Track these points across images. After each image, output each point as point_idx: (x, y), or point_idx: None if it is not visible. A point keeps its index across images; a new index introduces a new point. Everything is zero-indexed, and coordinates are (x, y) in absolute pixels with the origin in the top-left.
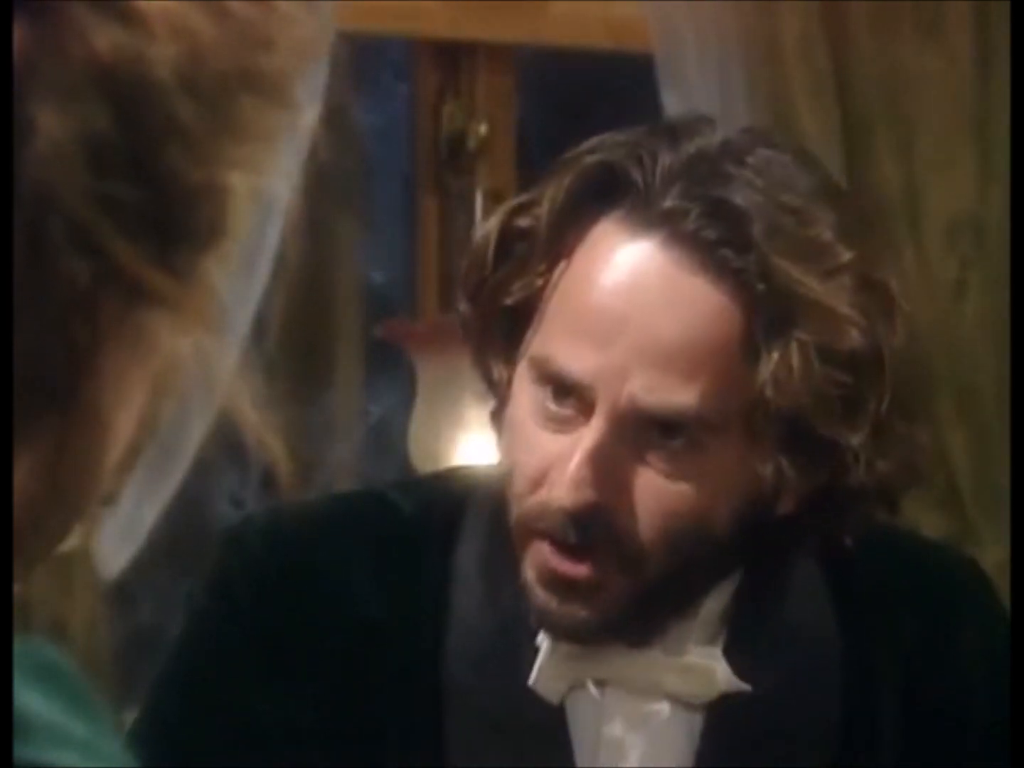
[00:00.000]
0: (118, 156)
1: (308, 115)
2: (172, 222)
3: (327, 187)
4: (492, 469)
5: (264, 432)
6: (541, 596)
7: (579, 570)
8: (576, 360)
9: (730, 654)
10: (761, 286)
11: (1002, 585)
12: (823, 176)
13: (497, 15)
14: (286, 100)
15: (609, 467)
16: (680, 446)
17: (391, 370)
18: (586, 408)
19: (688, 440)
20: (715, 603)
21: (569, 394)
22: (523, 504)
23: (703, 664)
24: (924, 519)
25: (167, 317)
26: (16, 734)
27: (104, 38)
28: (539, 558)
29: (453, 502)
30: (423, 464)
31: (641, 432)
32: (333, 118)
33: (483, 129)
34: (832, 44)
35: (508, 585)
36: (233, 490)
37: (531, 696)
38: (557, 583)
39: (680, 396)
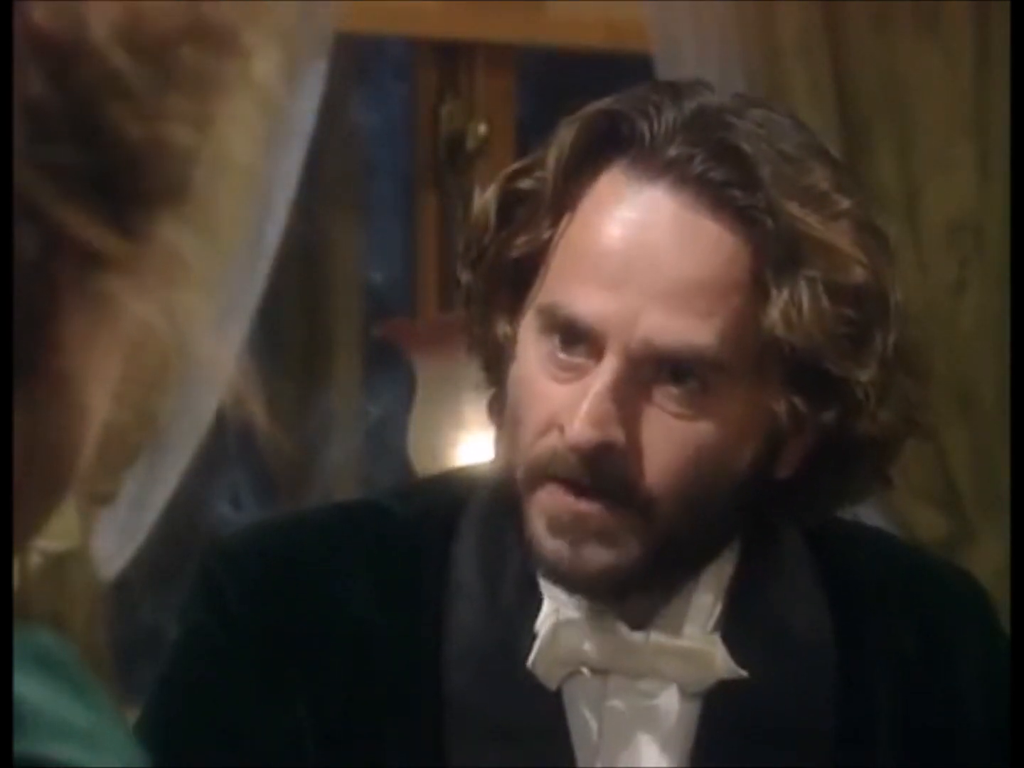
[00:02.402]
0: (57, 120)
1: (263, 64)
2: (120, 182)
3: (327, 187)
4: (488, 468)
5: (264, 421)
6: (551, 544)
7: (592, 507)
8: (586, 304)
9: (727, 643)
10: (770, 223)
11: (1002, 585)
12: (815, 139)
13: (497, 15)
14: (236, 49)
15: (624, 406)
16: (692, 388)
17: (390, 370)
18: (596, 353)
19: (700, 381)
20: (712, 588)
21: (579, 340)
22: (532, 452)
23: (702, 649)
24: (924, 519)
25: (125, 280)
26: (15, 725)
27: (41, 7)
28: (549, 502)
29: (449, 505)
30: (422, 463)
31: (653, 374)
32: (333, 118)
33: (482, 129)
34: (832, 44)
35: (506, 577)
36: (232, 490)
37: (528, 685)
38: (569, 526)
39: (694, 335)
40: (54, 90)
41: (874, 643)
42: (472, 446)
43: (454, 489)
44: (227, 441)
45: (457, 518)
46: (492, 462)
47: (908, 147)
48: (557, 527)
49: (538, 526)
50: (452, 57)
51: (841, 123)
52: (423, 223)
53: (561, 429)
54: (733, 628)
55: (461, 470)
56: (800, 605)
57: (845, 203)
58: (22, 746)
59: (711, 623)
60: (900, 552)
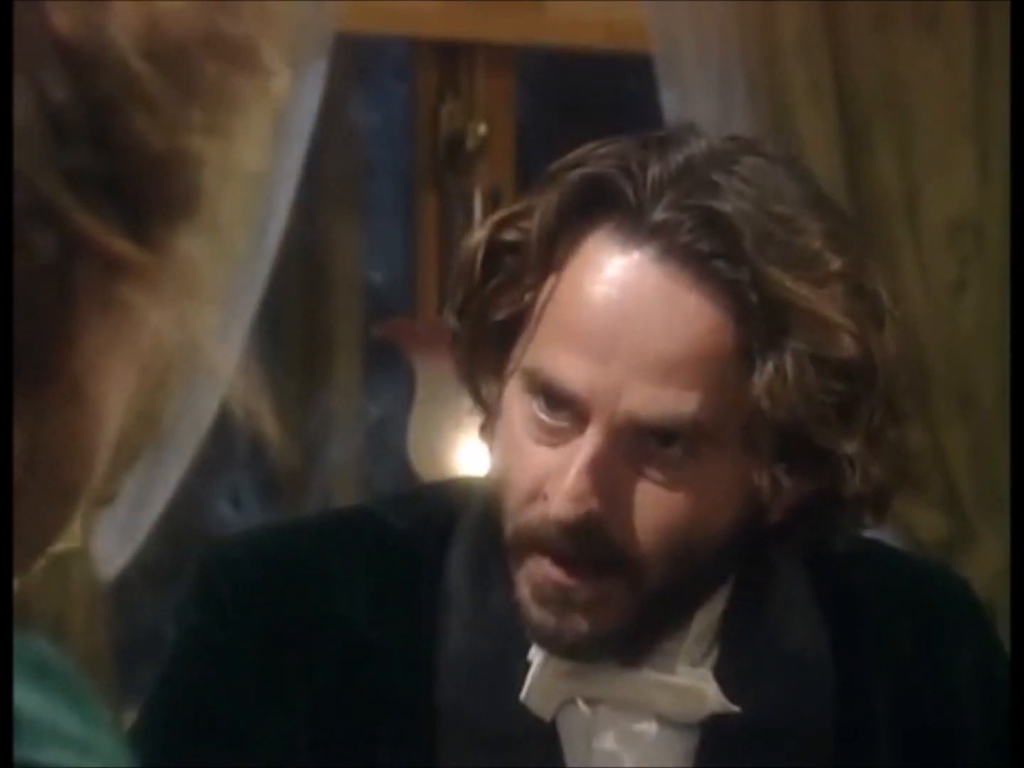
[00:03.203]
0: (79, 126)
1: (280, 81)
2: (140, 191)
3: (327, 187)
4: (484, 481)
5: (265, 420)
6: (537, 614)
7: (578, 582)
8: (570, 374)
9: (721, 674)
10: (754, 297)
11: (1002, 585)
12: (811, 185)
13: (497, 15)
14: (253, 64)
15: (607, 479)
16: (677, 455)
17: (390, 370)
18: (580, 419)
19: (685, 449)
20: (705, 622)
21: (562, 406)
22: (519, 519)
23: (693, 685)
24: (924, 519)
25: (144, 289)
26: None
27: (63, 13)
28: (536, 573)
29: (445, 517)
30: (422, 463)
31: (638, 442)
32: (333, 118)
33: (482, 129)
34: (832, 44)
35: (499, 600)
36: (232, 490)
37: (523, 712)
38: (554, 598)
39: (677, 406)
40: (75, 95)
41: (871, 652)
42: (472, 446)
43: (450, 499)
44: (227, 441)
45: (451, 530)
46: (487, 476)
47: (908, 147)
48: (542, 598)
49: (524, 593)
50: (452, 57)
51: (841, 123)
52: (423, 223)
53: (546, 498)
54: (728, 655)
55: (457, 480)
56: (796, 622)
57: (836, 264)
58: (17, 752)
59: (704, 652)
60: (893, 559)
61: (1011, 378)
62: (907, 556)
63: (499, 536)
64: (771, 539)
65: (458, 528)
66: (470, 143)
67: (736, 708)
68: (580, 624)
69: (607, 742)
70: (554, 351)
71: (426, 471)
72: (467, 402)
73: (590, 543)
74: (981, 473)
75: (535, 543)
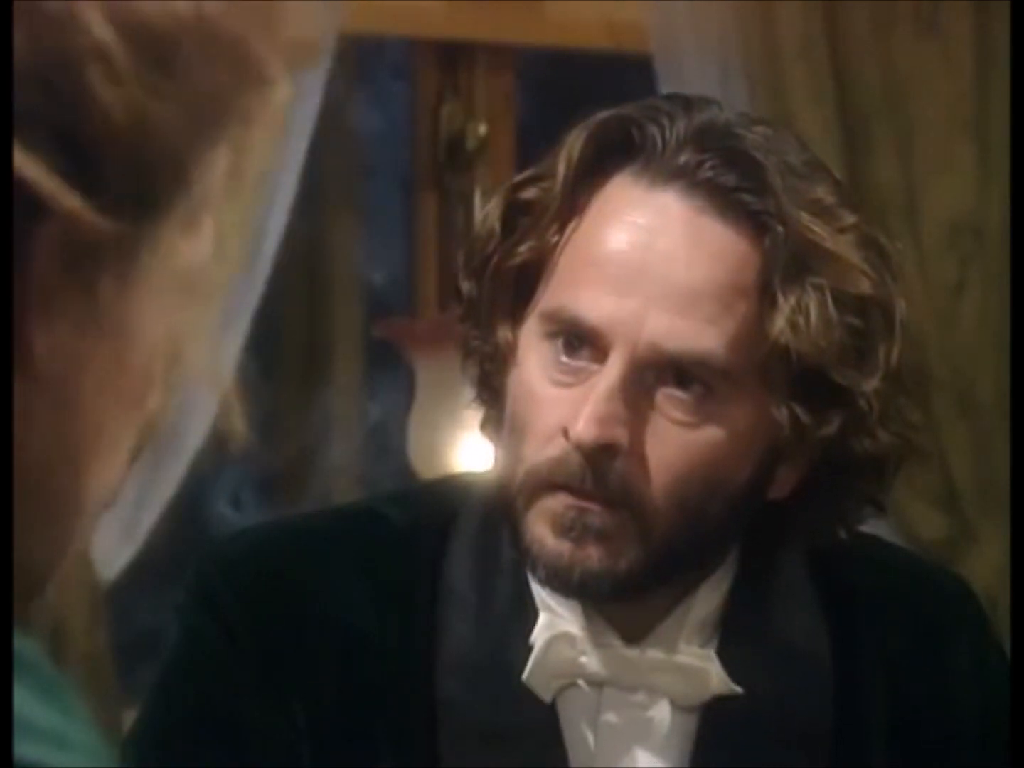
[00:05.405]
0: (26, 71)
1: (283, 91)
2: (105, 158)
3: (327, 188)
4: (485, 475)
5: (243, 432)
6: (553, 546)
7: (594, 506)
8: (591, 307)
9: (723, 657)
10: (780, 229)
11: (1002, 585)
12: (818, 158)
13: (497, 15)
14: (261, 80)
15: (628, 408)
16: (696, 394)
17: (390, 370)
18: (600, 356)
19: (704, 388)
20: (706, 606)
21: (583, 344)
22: (536, 458)
23: (697, 665)
24: (924, 519)
25: (114, 269)
26: None
27: None
28: (553, 506)
29: (445, 513)
30: (422, 464)
31: (657, 379)
32: (333, 119)
33: (482, 129)
34: (832, 44)
35: (502, 592)
36: (232, 490)
37: (523, 698)
38: (572, 524)
39: (701, 340)
40: (36, 50)
41: (869, 649)
42: (471, 447)
43: (450, 496)
44: (227, 441)
45: (452, 525)
46: (490, 471)
47: (908, 147)
48: (561, 527)
49: (541, 529)
50: (452, 58)
51: (841, 123)
52: (423, 223)
53: (565, 434)
54: (729, 641)
55: (458, 476)
56: (796, 614)
57: (851, 218)
58: None
59: (707, 637)
60: (894, 557)
61: (1011, 378)
62: (905, 551)
63: (503, 519)
64: (777, 523)
65: (459, 523)
66: (470, 143)
67: (738, 689)
68: (592, 555)
69: (608, 725)
70: (575, 289)
71: (426, 471)
72: (467, 401)
73: (607, 475)
74: (981, 473)
75: (551, 480)
